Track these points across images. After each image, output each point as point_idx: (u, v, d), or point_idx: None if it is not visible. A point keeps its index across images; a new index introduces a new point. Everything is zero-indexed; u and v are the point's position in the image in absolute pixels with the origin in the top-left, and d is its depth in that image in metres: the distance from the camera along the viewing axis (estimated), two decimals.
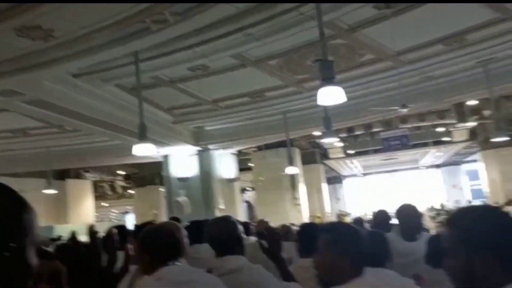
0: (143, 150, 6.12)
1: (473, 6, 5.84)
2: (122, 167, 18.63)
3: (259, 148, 15.26)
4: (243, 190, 19.39)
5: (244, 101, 9.39)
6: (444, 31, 6.75)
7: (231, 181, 12.47)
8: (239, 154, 13.76)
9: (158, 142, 8.35)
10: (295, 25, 5.69)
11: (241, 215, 12.89)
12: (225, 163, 12.24)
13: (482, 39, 6.91)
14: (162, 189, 16.15)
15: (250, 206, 23.25)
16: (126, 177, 21.18)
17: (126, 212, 26.50)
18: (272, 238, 2.33)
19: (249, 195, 23.03)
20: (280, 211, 14.23)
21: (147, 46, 5.83)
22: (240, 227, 2.21)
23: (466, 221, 1.23)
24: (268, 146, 14.42)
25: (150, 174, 18.50)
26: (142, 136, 6.03)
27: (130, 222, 19.99)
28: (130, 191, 22.06)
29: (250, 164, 16.61)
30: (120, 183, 22.50)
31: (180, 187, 11.19)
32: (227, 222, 2.25)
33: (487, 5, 5.83)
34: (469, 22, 6.46)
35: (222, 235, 2.13)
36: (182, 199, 10.91)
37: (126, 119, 8.05)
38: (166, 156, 11.49)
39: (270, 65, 7.55)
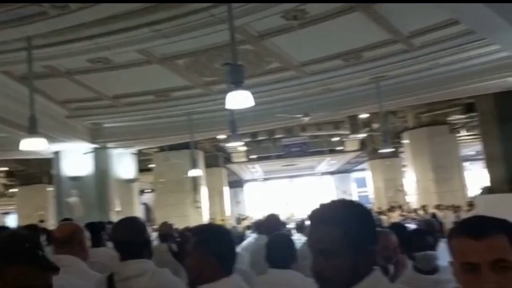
0: (32, 145, 5.58)
1: (372, 26, 6.31)
2: (3, 162, 16.82)
3: (161, 149, 14.87)
4: (141, 191, 18.72)
5: (147, 99, 9.07)
6: (344, 47, 7.21)
7: (129, 182, 11.95)
8: (139, 154, 13.25)
9: (49, 137, 7.66)
10: (205, 26, 5.64)
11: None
12: (123, 163, 11.69)
13: (376, 57, 7.52)
14: (50, 189, 14.91)
15: (147, 209, 22.54)
16: (9, 174, 19.18)
17: (7, 213, 23.99)
18: (182, 241, 2.25)
19: (147, 197, 22.33)
20: (180, 214, 13.97)
21: (43, 31, 5.34)
22: (149, 229, 2.10)
23: (348, 220, 1.19)
24: (171, 147, 14.12)
25: (37, 172, 17.00)
26: (32, 129, 5.49)
27: (12, 224, 18.13)
28: (12, 189, 20.06)
29: (151, 165, 16.10)
30: (0, 180, 20.32)
31: (71, 187, 10.41)
32: (134, 223, 2.11)
33: (382, 27, 6.35)
34: (366, 41, 6.99)
35: (129, 238, 1.99)
36: (73, 200, 10.16)
37: (14, 110, 7.27)
38: (57, 153, 10.62)
39: (177, 64, 7.39)
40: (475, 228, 1.14)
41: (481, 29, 5.87)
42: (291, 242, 2.46)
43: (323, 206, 1.26)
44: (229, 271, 1.74)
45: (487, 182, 11.29)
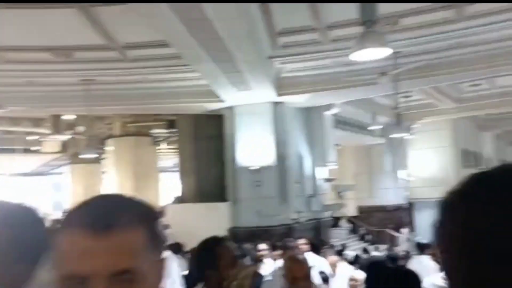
0: None
1: (88, 28, 6.06)
2: None
3: None
4: None
5: None
6: (53, 41, 6.66)
7: None
8: None
9: None
10: None
11: None
12: None
13: (89, 60, 7.27)
14: None
15: None
16: None
17: None
18: None
19: None
20: None
21: None
22: None
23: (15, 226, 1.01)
24: None
25: None
26: None
27: None
28: None
29: None
30: None
31: None
32: None
33: (99, 31, 6.19)
34: (79, 41, 6.67)
35: None
36: None
37: None
38: None
39: None
40: (97, 215, 0.66)
41: (186, 55, 6.55)
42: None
43: None
44: None
45: (179, 193, 12.55)
